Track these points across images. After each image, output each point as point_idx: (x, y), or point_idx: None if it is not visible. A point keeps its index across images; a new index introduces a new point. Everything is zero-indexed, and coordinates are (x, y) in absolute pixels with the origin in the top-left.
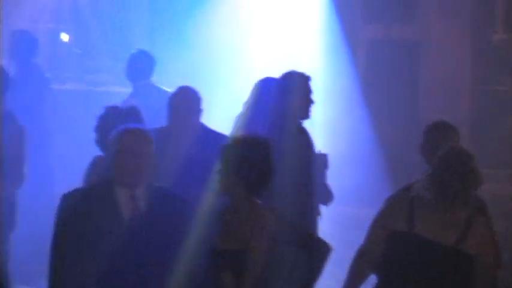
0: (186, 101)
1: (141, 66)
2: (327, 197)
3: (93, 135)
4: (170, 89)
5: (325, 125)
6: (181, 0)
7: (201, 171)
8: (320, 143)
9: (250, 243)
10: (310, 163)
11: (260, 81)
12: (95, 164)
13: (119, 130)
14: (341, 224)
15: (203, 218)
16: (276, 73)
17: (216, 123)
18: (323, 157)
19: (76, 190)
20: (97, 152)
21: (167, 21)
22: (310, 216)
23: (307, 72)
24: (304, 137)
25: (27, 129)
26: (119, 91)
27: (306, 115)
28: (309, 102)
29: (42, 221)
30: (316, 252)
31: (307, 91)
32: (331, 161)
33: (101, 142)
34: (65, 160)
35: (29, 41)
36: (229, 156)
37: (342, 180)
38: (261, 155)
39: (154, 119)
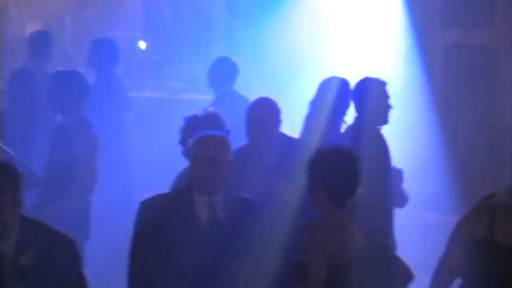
0: (266, 114)
1: (224, 73)
2: (401, 199)
3: (172, 142)
4: (250, 96)
5: (402, 131)
6: (259, 7)
7: (282, 180)
8: (397, 149)
9: (335, 256)
10: (388, 174)
11: (325, 80)
12: (181, 177)
13: (196, 137)
14: (420, 230)
15: (287, 228)
16: (354, 78)
17: (295, 129)
18: (398, 173)
19: (154, 197)
20: (177, 160)
21: (244, 27)
22: (390, 236)
23: (384, 77)
24: (382, 144)
25: (101, 137)
26: (196, 98)
27: (384, 120)
28: (387, 107)
29: (122, 228)
30: (398, 277)
31: (385, 96)
32: (408, 166)
33: (187, 153)
34: (143, 167)
35: (111, 50)
36: (316, 169)
37: (420, 186)
38: (348, 167)
39: (237, 126)
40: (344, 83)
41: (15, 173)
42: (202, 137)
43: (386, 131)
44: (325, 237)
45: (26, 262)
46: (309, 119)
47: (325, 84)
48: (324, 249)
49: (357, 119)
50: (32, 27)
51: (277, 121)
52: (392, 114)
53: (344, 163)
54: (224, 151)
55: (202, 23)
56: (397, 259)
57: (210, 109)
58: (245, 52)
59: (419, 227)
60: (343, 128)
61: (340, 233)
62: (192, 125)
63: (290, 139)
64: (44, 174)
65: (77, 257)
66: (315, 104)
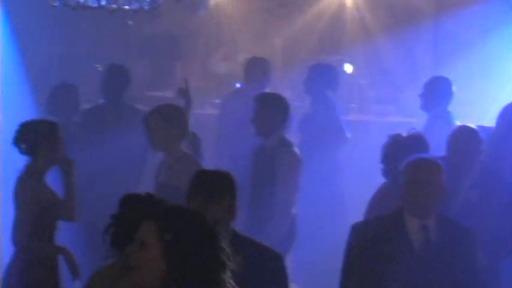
0: (465, 143)
1: (437, 93)
2: None
3: (378, 166)
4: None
5: None
6: (469, 28)
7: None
8: None
9: None
10: None
11: (507, 106)
12: (382, 192)
13: (408, 161)
14: None
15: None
16: None
17: None
18: None
19: (366, 220)
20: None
21: (453, 48)
22: None
23: None
24: None
25: (315, 171)
26: (403, 121)
27: None
28: None
29: (331, 252)
30: None
31: None
32: None
33: (388, 172)
34: (350, 190)
35: (330, 76)
36: None
37: None
38: None
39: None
40: None
41: (233, 181)
42: (414, 161)
43: None
44: None
45: (234, 268)
46: (492, 146)
47: (506, 111)
48: None
49: None
50: (244, 53)
51: (477, 151)
52: None
53: None
54: (436, 174)
55: (409, 44)
56: None
57: (414, 129)
58: (454, 75)
59: None
60: None
61: None
62: (394, 142)
63: (490, 172)
64: (248, 194)
65: (284, 271)
66: (497, 132)
